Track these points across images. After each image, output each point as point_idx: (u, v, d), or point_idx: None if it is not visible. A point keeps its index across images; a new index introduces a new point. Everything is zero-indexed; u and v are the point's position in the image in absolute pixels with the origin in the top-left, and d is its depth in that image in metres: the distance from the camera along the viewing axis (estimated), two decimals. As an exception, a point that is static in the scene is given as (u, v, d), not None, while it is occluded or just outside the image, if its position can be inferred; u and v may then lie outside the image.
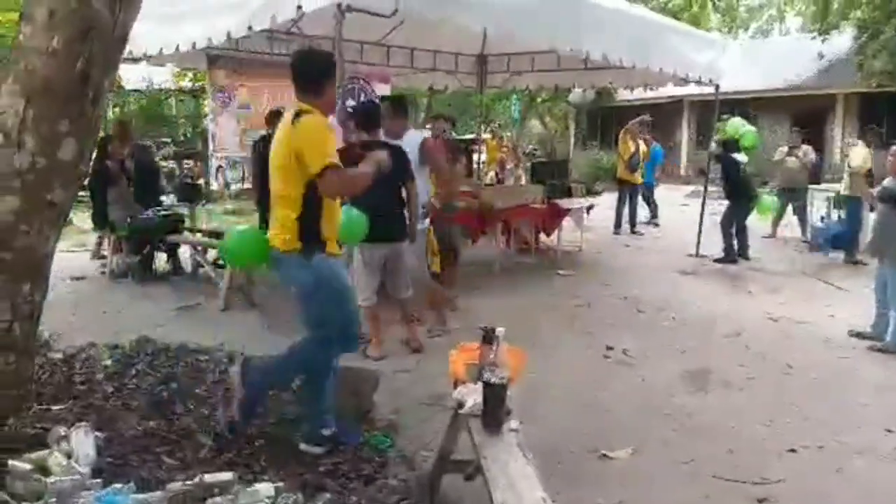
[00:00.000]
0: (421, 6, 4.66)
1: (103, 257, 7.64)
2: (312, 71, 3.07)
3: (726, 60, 8.20)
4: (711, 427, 3.72)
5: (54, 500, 2.20)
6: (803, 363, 4.73)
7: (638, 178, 10.64)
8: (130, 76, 13.83)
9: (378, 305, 4.68)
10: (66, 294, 6.25)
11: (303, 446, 3.13)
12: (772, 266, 8.10)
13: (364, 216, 3.64)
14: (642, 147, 10.70)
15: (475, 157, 11.80)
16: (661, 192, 12.38)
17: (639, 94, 13.16)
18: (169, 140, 16.79)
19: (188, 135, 16.90)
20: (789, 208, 9.72)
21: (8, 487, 2.29)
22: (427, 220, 5.10)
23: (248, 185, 8.30)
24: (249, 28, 4.99)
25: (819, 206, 10.00)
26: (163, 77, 15.67)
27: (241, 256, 3.18)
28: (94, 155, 3.35)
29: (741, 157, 8.29)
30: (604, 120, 22.05)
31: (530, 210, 7.94)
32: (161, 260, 7.52)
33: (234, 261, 3.11)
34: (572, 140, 23.50)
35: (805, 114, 17.94)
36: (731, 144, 8.32)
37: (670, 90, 9.70)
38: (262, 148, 7.11)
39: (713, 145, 8.63)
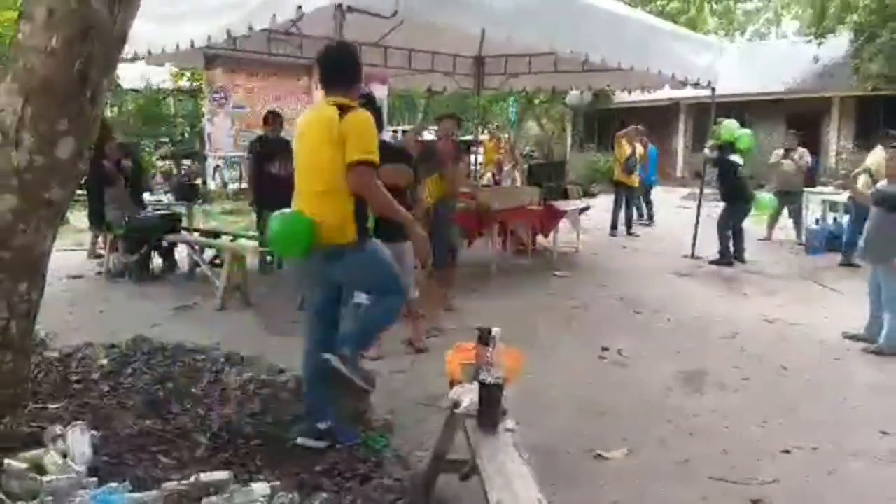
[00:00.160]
0: (420, 7, 4.67)
1: (100, 256, 7.64)
2: (344, 67, 3.11)
3: (723, 63, 8.24)
4: (706, 428, 3.73)
5: (50, 499, 2.20)
6: (798, 365, 4.75)
7: (635, 180, 10.68)
8: (128, 75, 13.77)
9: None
10: (62, 293, 6.25)
11: (300, 440, 3.14)
12: (767, 268, 8.13)
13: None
14: (639, 149, 10.74)
15: (472, 158, 11.83)
16: (658, 195, 12.42)
17: (636, 97, 13.21)
18: (167, 140, 16.75)
19: (186, 134, 16.86)
20: (785, 211, 9.75)
21: (3, 486, 2.28)
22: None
23: (245, 185, 8.28)
24: (249, 27, 5.00)
25: (814, 208, 10.05)
26: (161, 77, 15.61)
27: (288, 241, 3.09)
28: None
29: (738, 158, 8.31)
30: (601, 122, 22.06)
31: (527, 211, 7.96)
32: (158, 259, 7.52)
33: (281, 245, 3.04)
34: (569, 142, 23.52)
35: (801, 117, 17.98)
36: (727, 146, 8.35)
37: (667, 93, 9.72)
38: (258, 148, 7.13)
39: (707, 150, 8.65)
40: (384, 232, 4.25)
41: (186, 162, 15.29)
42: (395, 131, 16.63)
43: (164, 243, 7.33)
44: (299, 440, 3.14)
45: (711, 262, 8.22)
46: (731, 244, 8.33)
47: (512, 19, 5.21)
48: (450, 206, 5.86)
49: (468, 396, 2.50)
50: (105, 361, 3.95)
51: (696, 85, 7.89)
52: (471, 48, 8.77)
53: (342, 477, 2.91)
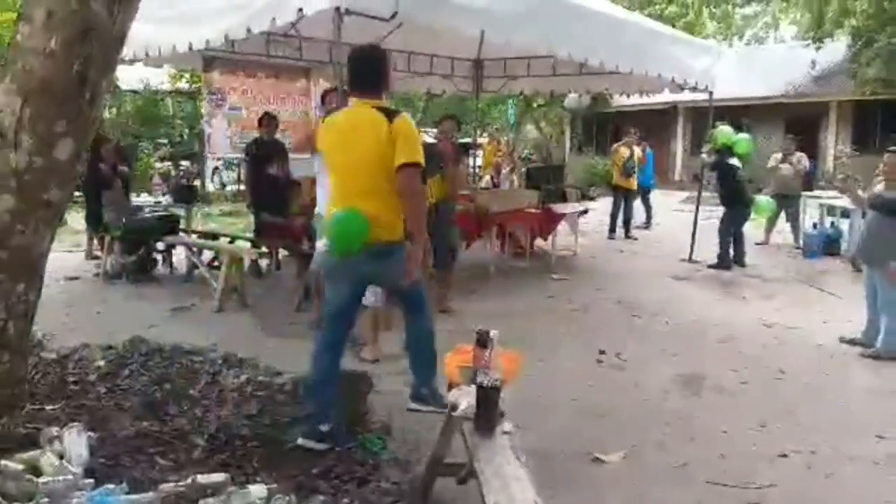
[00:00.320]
0: (419, 10, 4.68)
1: (97, 258, 7.63)
2: (379, 71, 3.20)
3: (721, 67, 8.26)
4: (704, 431, 3.73)
5: (46, 500, 2.19)
6: (795, 369, 4.75)
7: (633, 183, 10.71)
8: (127, 77, 13.78)
9: (382, 307, 4.70)
10: (59, 294, 6.24)
11: (301, 441, 3.13)
12: (765, 272, 8.14)
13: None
14: (637, 152, 10.77)
15: (471, 160, 11.84)
16: (656, 198, 12.44)
17: (634, 100, 13.22)
18: (165, 141, 16.76)
19: (184, 136, 16.87)
20: (782, 215, 9.77)
21: (0, 487, 2.28)
22: None
23: (243, 187, 8.29)
24: (248, 30, 4.99)
25: (812, 212, 10.06)
26: (159, 78, 15.63)
27: (347, 239, 3.11)
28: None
29: (736, 162, 8.33)
30: (599, 125, 22.11)
31: (525, 214, 7.96)
32: (156, 260, 7.52)
33: (340, 243, 3.08)
34: (568, 145, 23.55)
35: (799, 121, 18.02)
36: (725, 150, 8.36)
37: (665, 96, 9.75)
38: (254, 150, 7.13)
39: (704, 155, 8.67)
40: None
41: (185, 163, 15.30)
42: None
43: (162, 245, 7.33)
44: (300, 441, 3.14)
45: (710, 266, 8.23)
46: (730, 249, 8.34)
47: (511, 22, 5.22)
48: (450, 207, 5.87)
49: (466, 399, 2.50)
50: (102, 363, 3.94)
51: (695, 89, 7.91)
52: (469, 51, 8.77)
53: (339, 479, 2.90)
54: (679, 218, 12.17)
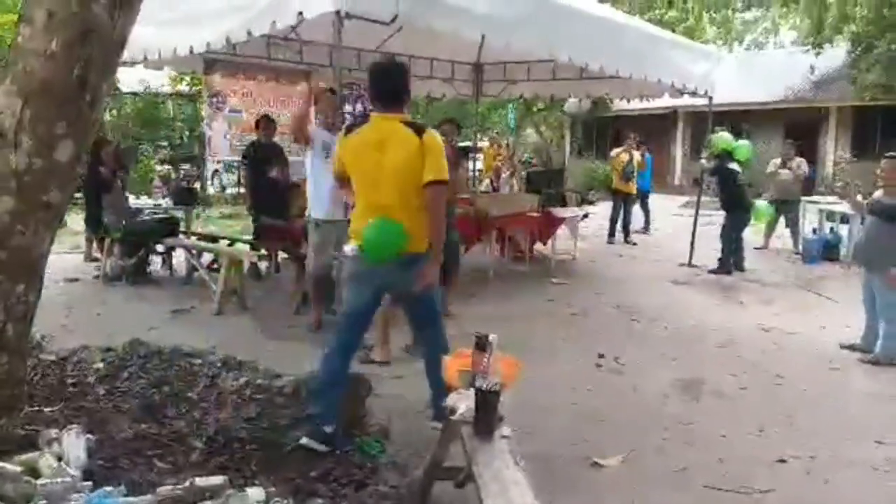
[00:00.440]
0: (419, 14, 4.69)
1: (96, 260, 7.63)
2: (403, 87, 3.27)
3: (721, 72, 8.28)
4: (703, 436, 3.73)
5: (44, 502, 2.19)
6: (794, 374, 4.75)
7: (632, 187, 10.72)
8: (127, 79, 13.81)
9: (389, 310, 4.71)
10: (59, 296, 6.24)
11: (305, 441, 3.13)
12: (764, 277, 8.14)
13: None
14: (636, 156, 10.79)
15: (470, 164, 11.86)
16: (655, 203, 12.45)
17: (634, 105, 13.24)
18: (165, 144, 16.77)
19: (185, 139, 16.88)
20: (782, 220, 9.77)
21: (-2, 489, 2.28)
22: None
23: (244, 189, 8.29)
24: (249, 33, 5.00)
25: (811, 218, 10.07)
26: (160, 81, 15.66)
27: (384, 247, 3.20)
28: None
29: (736, 167, 8.34)
30: (599, 130, 22.12)
31: (525, 218, 7.97)
32: (156, 263, 7.52)
33: (377, 251, 3.19)
34: (568, 149, 23.57)
35: (799, 126, 18.05)
36: (725, 155, 8.37)
37: (665, 101, 9.76)
38: (252, 153, 7.14)
39: (704, 161, 8.68)
40: None
41: (185, 166, 15.31)
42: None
43: (162, 247, 7.34)
44: (304, 441, 3.14)
45: (711, 271, 8.23)
46: (731, 253, 8.34)
47: (511, 26, 5.23)
48: (450, 210, 5.86)
49: (465, 403, 2.50)
50: (101, 365, 3.94)
51: (694, 94, 7.93)
52: (470, 55, 8.80)
53: (338, 483, 2.90)
54: (678, 222, 12.19)
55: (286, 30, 5.59)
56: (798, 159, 9.77)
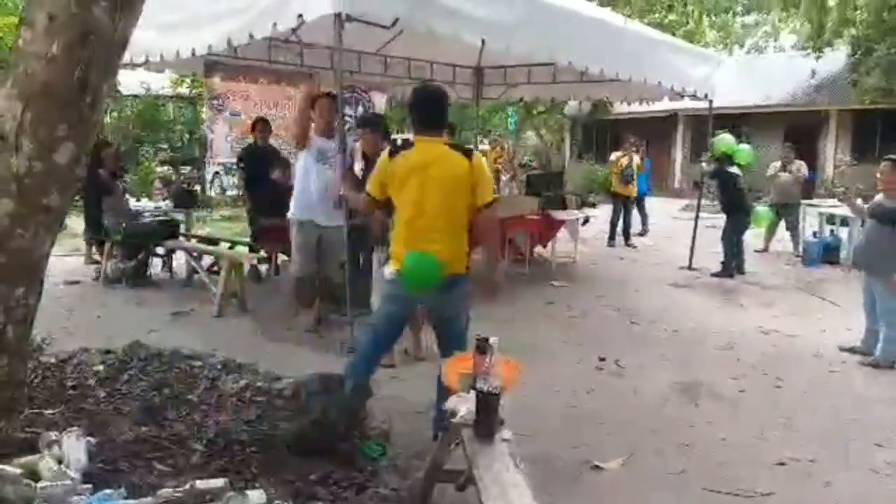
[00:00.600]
0: (420, 17, 4.70)
1: (96, 262, 7.63)
2: (442, 110, 3.38)
3: (721, 76, 8.29)
4: (702, 439, 3.73)
5: (44, 504, 2.19)
6: (794, 377, 4.75)
7: (632, 190, 10.72)
8: (127, 81, 13.82)
9: None
10: (59, 298, 6.23)
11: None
12: (764, 280, 8.14)
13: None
14: (635, 159, 10.80)
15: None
16: (655, 206, 12.46)
17: (634, 108, 13.27)
18: (166, 146, 16.78)
19: (185, 141, 16.89)
20: (782, 223, 9.78)
21: (-2, 492, 2.28)
22: None
23: (243, 192, 8.29)
24: (250, 35, 5.01)
25: (811, 221, 10.08)
26: (160, 83, 15.67)
27: (424, 281, 3.25)
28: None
29: (736, 170, 8.34)
30: (599, 133, 22.15)
31: (525, 221, 7.97)
32: (156, 265, 7.52)
33: (416, 284, 3.26)
34: (568, 152, 23.60)
35: (799, 130, 18.06)
36: (725, 158, 8.37)
37: (665, 104, 9.77)
38: (248, 156, 7.13)
39: (704, 165, 8.68)
40: None
41: (185, 168, 15.32)
42: (395, 140, 16.69)
43: (162, 249, 7.34)
44: None
45: (713, 274, 8.23)
46: (733, 257, 8.34)
47: (511, 30, 5.24)
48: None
49: (465, 406, 2.50)
50: (101, 367, 3.95)
51: (694, 97, 7.93)
52: (470, 58, 8.80)
53: (338, 486, 2.89)
54: (678, 226, 12.19)
55: (287, 32, 5.61)
56: (798, 162, 9.78)
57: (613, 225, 10.65)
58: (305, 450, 3.08)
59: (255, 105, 8.15)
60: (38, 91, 2.58)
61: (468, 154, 3.25)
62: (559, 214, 8.37)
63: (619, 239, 10.64)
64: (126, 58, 3.39)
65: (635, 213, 11.18)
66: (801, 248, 9.55)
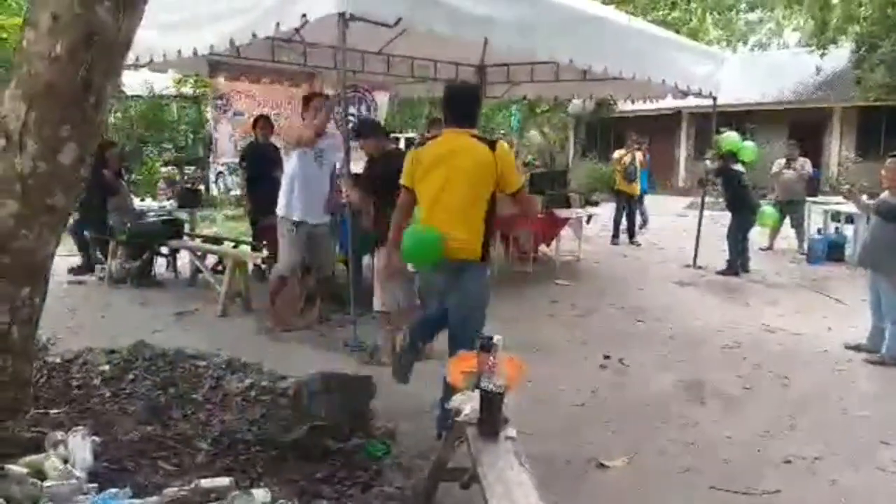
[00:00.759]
0: (423, 17, 4.69)
1: (101, 262, 7.65)
2: (474, 104, 3.52)
3: (725, 73, 8.26)
4: (708, 437, 3.72)
5: (50, 504, 2.20)
6: (800, 375, 4.74)
7: (636, 188, 10.70)
8: (131, 81, 13.85)
9: (396, 312, 4.74)
10: (64, 298, 6.25)
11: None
12: (769, 278, 8.12)
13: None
14: (638, 157, 10.77)
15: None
16: (659, 204, 12.42)
17: (638, 106, 13.23)
18: (170, 146, 16.81)
19: (189, 141, 16.92)
20: (787, 220, 9.75)
21: (4, 491, 2.28)
22: None
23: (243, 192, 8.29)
24: (253, 35, 5.02)
25: (816, 218, 10.05)
26: (164, 83, 15.70)
27: (422, 255, 3.40)
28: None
29: (740, 167, 8.31)
30: (603, 131, 22.12)
31: (529, 219, 7.95)
32: (160, 265, 7.53)
33: (415, 258, 3.47)
34: (571, 151, 23.57)
35: (803, 127, 18.02)
36: (729, 156, 8.35)
37: (669, 102, 9.74)
38: (251, 153, 7.14)
39: (708, 163, 8.65)
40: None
41: (189, 168, 15.34)
42: (397, 138, 16.69)
43: (166, 249, 7.35)
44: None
45: (718, 273, 8.20)
46: (738, 255, 8.32)
47: (513, 29, 5.23)
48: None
49: (469, 404, 2.50)
50: (106, 367, 3.96)
51: (698, 94, 7.91)
52: (473, 56, 8.80)
53: (343, 484, 2.90)
54: (683, 223, 12.16)
55: (290, 32, 5.61)
56: (802, 159, 9.75)
57: (617, 223, 10.63)
58: (306, 455, 3.08)
59: (259, 105, 8.16)
60: (42, 91, 2.59)
61: (492, 145, 3.33)
62: (563, 213, 8.36)
63: (623, 237, 10.62)
64: (130, 58, 3.40)
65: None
66: (805, 246, 9.52)
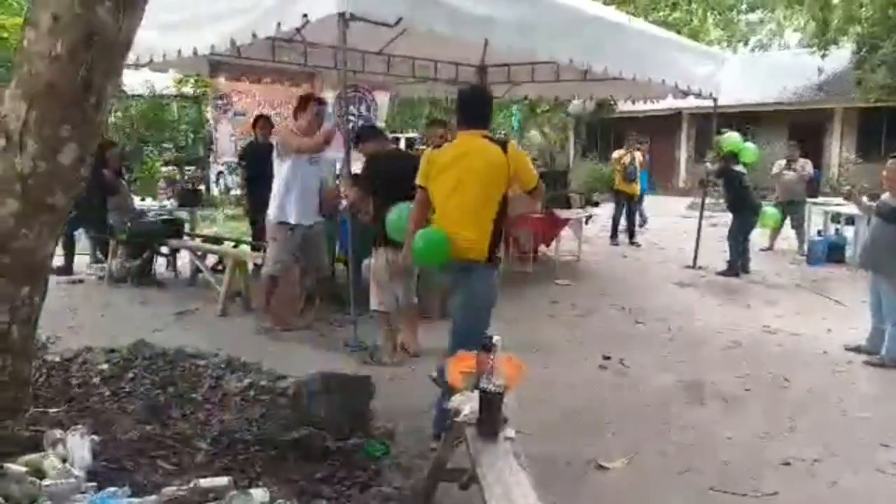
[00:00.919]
0: (423, 17, 4.69)
1: (101, 261, 7.65)
2: (485, 106, 3.58)
3: (726, 74, 8.26)
4: (707, 438, 3.72)
5: (49, 503, 2.20)
6: (799, 376, 4.73)
7: (636, 188, 10.71)
8: (131, 81, 13.86)
9: (395, 312, 4.75)
10: (64, 297, 6.26)
11: None
12: (769, 279, 8.12)
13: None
14: (638, 157, 10.78)
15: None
16: (660, 204, 12.42)
17: (638, 106, 13.25)
18: (170, 146, 16.82)
19: (190, 140, 16.93)
20: (787, 221, 9.74)
21: (2, 490, 2.28)
22: None
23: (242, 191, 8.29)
24: (253, 35, 5.02)
25: (816, 220, 10.04)
26: (164, 83, 15.71)
27: (430, 255, 3.45)
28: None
29: (741, 168, 8.31)
30: (603, 131, 22.13)
31: (529, 219, 7.95)
32: (160, 264, 7.54)
33: (423, 258, 3.53)
34: (572, 151, 23.57)
35: (803, 128, 18.02)
36: (730, 157, 8.35)
37: (669, 102, 9.75)
38: (250, 153, 7.15)
39: (708, 164, 8.65)
40: (392, 239, 4.34)
41: (190, 168, 15.35)
42: (397, 138, 16.70)
43: (166, 249, 7.36)
44: None
45: (719, 273, 8.20)
46: (739, 255, 8.32)
47: (513, 29, 5.23)
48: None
49: (468, 404, 2.50)
50: (106, 366, 3.96)
51: (699, 95, 7.91)
52: (474, 56, 8.80)
53: (342, 484, 2.90)
54: (683, 224, 12.16)
55: (291, 32, 5.61)
56: (802, 160, 9.75)
57: (616, 222, 10.64)
58: (305, 455, 3.08)
59: (259, 105, 8.16)
60: (43, 91, 2.59)
61: (504, 146, 3.37)
62: (563, 213, 8.36)
63: (622, 237, 10.62)
64: (130, 58, 3.40)
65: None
66: (805, 247, 9.51)
